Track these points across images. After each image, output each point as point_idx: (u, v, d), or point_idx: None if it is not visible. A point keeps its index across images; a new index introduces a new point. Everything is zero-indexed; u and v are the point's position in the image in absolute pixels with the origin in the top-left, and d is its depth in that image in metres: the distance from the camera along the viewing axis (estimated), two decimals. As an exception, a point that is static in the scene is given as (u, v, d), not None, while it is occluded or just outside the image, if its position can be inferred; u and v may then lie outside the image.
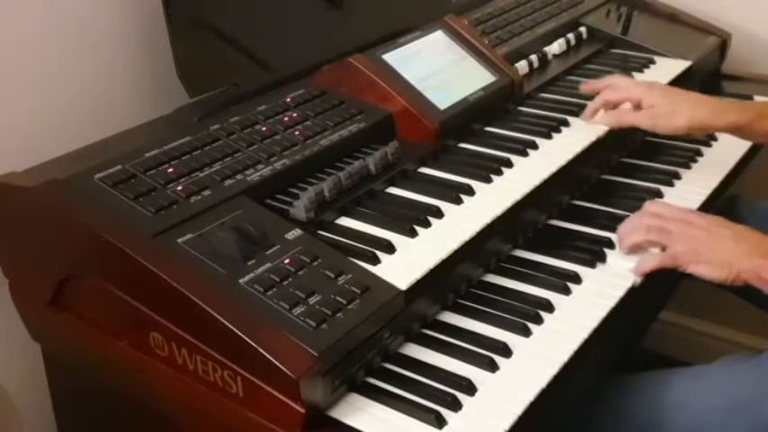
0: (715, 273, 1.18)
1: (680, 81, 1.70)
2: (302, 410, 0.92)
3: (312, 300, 0.98)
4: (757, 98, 1.78)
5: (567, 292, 1.20)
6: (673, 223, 1.23)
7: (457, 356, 1.07)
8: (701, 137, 1.60)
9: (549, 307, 1.16)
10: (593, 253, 1.27)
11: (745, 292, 1.51)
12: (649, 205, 1.30)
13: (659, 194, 1.44)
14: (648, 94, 1.43)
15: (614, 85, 1.49)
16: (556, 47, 1.72)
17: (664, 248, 1.23)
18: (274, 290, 0.98)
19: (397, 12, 1.58)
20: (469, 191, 1.25)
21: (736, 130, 1.43)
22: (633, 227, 1.26)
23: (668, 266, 1.22)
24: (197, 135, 1.20)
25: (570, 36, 1.75)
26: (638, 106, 1.45)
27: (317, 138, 1.26)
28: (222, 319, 0.94)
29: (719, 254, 1.18)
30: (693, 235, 1.21)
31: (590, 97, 1.50)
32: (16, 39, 1.27)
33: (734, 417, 1.17)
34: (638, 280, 1.22)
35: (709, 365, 1.25)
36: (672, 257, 1.21)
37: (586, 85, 1.53)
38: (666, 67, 1.72)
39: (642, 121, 1.42)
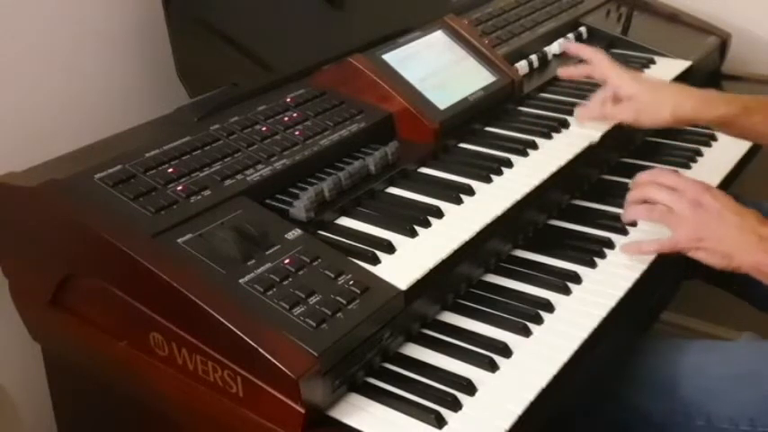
0: (715, 261, 1.18)
1: (680, 81, 1.70)
2: (302, 410, 0.92)
3: (312, 300, 0.98)
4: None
5: (566, 292, 1.20)
6: (683, 202, 1.20)
7: (457, 356, 1.07)
8: (700, 137, 1.59)
9: (549, 307, 1.16)
10: (593, 253, 1.28)
11: (744, 292, 1.52)
12: (662, 175, 1.26)
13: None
14: (628, 82, 1.35)
15: (593, 62, 1.41)
16: (556, 47, 1.71)
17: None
18: (274, 290, 0.98)
19: (397, 12, 1.58)
20: (469, 191, 1.25)
21: (723, 124, 1.36)
22: (640, 195, 1.25)
23: (668, 251, 1.21)
24: (197, 135, 1.20)
25: (570, 36, 1.75)
26: (616, 98, 1.37)
27: (317, 138, 1.26)
28: (222, 319, 0.94)
29: (723, 243, 1.17)
30: (700, 220, 1.18)
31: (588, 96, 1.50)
32: (16, 39, 1.27)
33: (740, 386, 1.19)
34: (637, 272, 1.22)
35: (724, 341, 1.27)
36: (673, 243, 1.21)
37: (565, 71, 1.47)
38: (666, 67, 1.72)
39: (623, 114, 1.35)
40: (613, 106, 1.37)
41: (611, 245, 1.30)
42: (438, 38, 1.50)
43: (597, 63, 1.40)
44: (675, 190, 1.22)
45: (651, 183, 1.25)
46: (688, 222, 1.19)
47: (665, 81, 1.40)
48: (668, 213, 1.21)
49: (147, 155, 1.14)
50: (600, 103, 1.40)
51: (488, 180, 1.28)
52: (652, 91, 1.34)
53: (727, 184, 1.52)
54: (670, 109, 1.32)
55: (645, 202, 1.25)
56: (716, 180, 1.50)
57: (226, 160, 1.17)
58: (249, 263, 1.01)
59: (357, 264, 1.06)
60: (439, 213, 1.19)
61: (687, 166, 1.54)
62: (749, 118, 1.34)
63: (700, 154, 1.58)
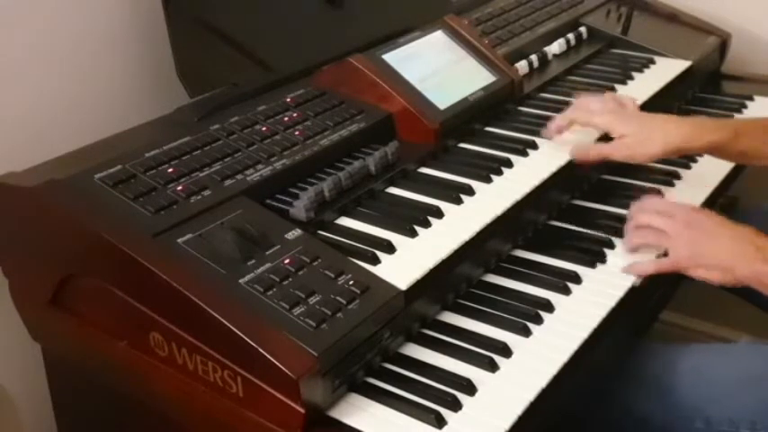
0: (715, 276, 1.19)
1: (680, 81, 1.70)
2: (302, 411, 0.92)
3: (312, 300, 0.98)
4: (757, 98, 1.79)
5: (566, 292, 1.20)
6: (676, 224, 1.23)
7: (457, 356, 1.07)
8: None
9: (549, 307, 1.16)
10: (593, 253, 1.28)
11: (745, 292, 1.52)
12: (652, 203, 1.29)
13: (659, 195, 1.44)
14: (617, 124, 1.32)
15: (581, 107, 1.39)
16: (556, 47, 1.71)
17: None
18: (274, 290, 0.98)
19: (397, 12, 1.58)
20: (469, 191, 1.25)
21: (715, 151, 1.35)
22: (635, 224, 1.27)
23: (667, 271, 1.22)
24: (197, 135, 1.20)
25: (570, 36, 1.75)
26: (606, 135, 1.37)
27: (317, 138, 1.26)
28: (222, 319, 0.94)
29: (720, 258, 1.19)
30: (695, 239, 1.21)
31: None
32: (17, 39, 1.27)
33: (740, 389, 1.19)
34: (638, 281, 1.22)
35: (725, 344, 1.27)
36: (672, 263, 1.22)
37: (550, 130, 1.40)
38: (666, 67, 1.72)
39: (615, 152, 1.32)
40: (603, 145, 1.35)
41: (610, 245, 1.30)
42: (438, 38, 1.50)
43: (580, 118, 1.38)
44: (666, 214, 1.25)
45: (642, 211, 1.28)
46: (683, 241, 1.21)
47: (651, 114, 1.39)
48: (664, 236, 1.24)
49: (147, 155, 1.14)
50: (590, 144, 1.38)
51: (488, 180, 1.28)
52: (640, 126, 1.33)
53: (727, 184, 1.53)
54: (661, 142, 1.30)
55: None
56: (717, 179, 1.50)
57: (226, 160, 1.17)
58: (249, 263, 1.01)
59: (357, 264, 1.06)
60: (439, 213, 1.19)
61: (687, 166, 1.54)
62: (740, 141, 1.33)
63: (700, 153, 1.57)
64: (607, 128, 1.34)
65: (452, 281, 1.18)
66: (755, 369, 1.22)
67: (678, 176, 1.50)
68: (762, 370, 1.21)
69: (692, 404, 1.19)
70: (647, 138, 1.31)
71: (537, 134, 1.41)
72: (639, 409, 1.22)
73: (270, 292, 0.98)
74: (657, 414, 1.21)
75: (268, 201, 1.16)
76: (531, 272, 1.25)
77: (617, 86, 1.62)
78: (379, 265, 1.08)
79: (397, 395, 1.00)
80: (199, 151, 1.17)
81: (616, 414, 1.24)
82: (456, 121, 1.38)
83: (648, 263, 1.24)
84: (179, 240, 1.02)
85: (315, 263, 1.04)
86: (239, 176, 1.15)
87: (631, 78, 1.66)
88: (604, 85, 1.62)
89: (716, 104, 1.78)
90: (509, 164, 1.33)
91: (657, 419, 1.21)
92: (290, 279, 1.00)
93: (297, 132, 1.26)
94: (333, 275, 1.02)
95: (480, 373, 1.04)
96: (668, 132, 1.31)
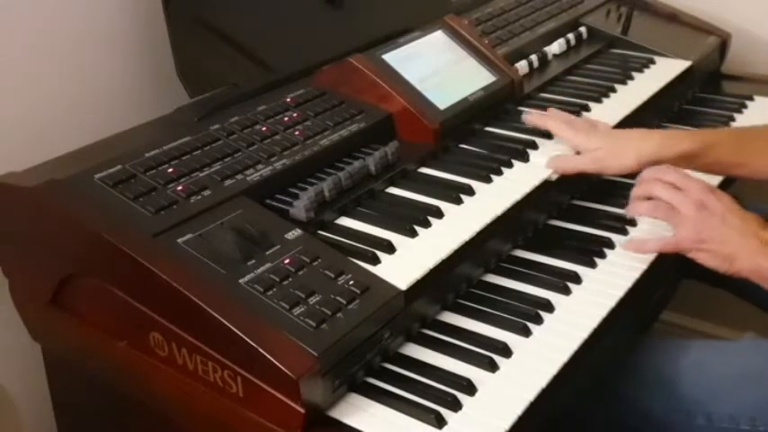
0: (715, 263, 1.18)
1: (680, 81, 1.70)
2: (302, 411, 0.92)
3: (312, 300, 0.98)
4: (757, 98, 1.78)
5: (566, 292, 1.20)
6: (687, 202, 1.20)
7: (457, 356, 1.07)
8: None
9: (549, 307, 1.16)
10: (593, 253, 1.27)
11: (743, 291, 1.52)
12: (668, 173, 1.25)
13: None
14: (588, 143, 1.33)
15: (552, 129, 1.39)
16: (556, 47, 1.71)
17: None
18: (274, 290, 0.98)
19: (397, 12, 1.58)
20: (469, 191, 1.25)
21: (686, 160, 1.33)
22: (644, 192, 1.25)
23: (670, 251, 1.22)
24: (197, 135, 1.20)
25: (570, 36, 1.75)
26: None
27: (317, 138, 1.26)
28: (222, 319, 0.94)
29: (724, 246, 1.17)
30: (704, 221, 1.19)
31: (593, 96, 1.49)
32: (17, 39, 1.27)
33: (741, 385, 1.20)
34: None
35: (727, 340, 1.27)
36: (675, 243, 1.21)
37: (529, 118, 1.42)
38: (666, 67, 1.72)
39: (587, 165, 1.32)
40: (575, 157, 1.35)
41: (611, 245, 1.30)
42: (438, 38, 1.50)
43: (553, 129, 1.39)
44: (680, 188, 1.23)
45: (656, 180, 1.26)
46: (691, 223, 1.19)
47: (622, 130, 1.40)
48: (672, 212, 1.22)
49: (147, 155, 1.14)
50: (563, 156, 1.36)
51: (488, 180, 1.28)
52: (613, 141, 1.33)
53: (727, 185, 1.52)
54: (633, 155, 1.30)
55: (649, 198, 1.25)
56: (716, 180, 1.49)
57: (226, 160, 1.17)
58: (249, 263, 1.01)
59: (357, 264, 1.06)
60: (439, 213, 1.19)
61: (687, 166, 1.54)
62: (711, 152, 1.33)
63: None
64: (580, 145, 1.34)
65: (452, 281, 1.18)
66: (756, 366, 1.22)
67: (678, 176, 1.50)
68: (762, 366, 1.21)
69: (693, 400, 1.19)
70: (619, 151, 1.32)
71: (537, 134, 1.41)
72: (641, 404, 1.22)
73: (270, 292, 0.98)
74: (658, 409, 1.21)
75: (268, 201, 1.16)
76: (531, 272, 1.25)
77: (617, 86, 1.62)
78: (379, 265, 1.08)
79: (397, 395, 1.00)
80: (199, 151, 1.18)
81: (617, 410, 1.25)
82: (456, 121, 1.38)
83: (653, 241, 1.24)
84: (179, 240, 1.02)
85: (315, 263, 1.04)
86: (239, 176, 1.15)
87: (631, 78, 1.66)
88: (604, 85, 1.62)
89: (716, 104, 1.78)
90: (509, 164, 1.33)
91: (658, 415, 1.21)
92: (290, 279, 1.00)
93: (297, 132, 1.26)
94: (333, 275, 1.02)
95: (480, 373, 1.04)
96: (640, 145, 1.32)
